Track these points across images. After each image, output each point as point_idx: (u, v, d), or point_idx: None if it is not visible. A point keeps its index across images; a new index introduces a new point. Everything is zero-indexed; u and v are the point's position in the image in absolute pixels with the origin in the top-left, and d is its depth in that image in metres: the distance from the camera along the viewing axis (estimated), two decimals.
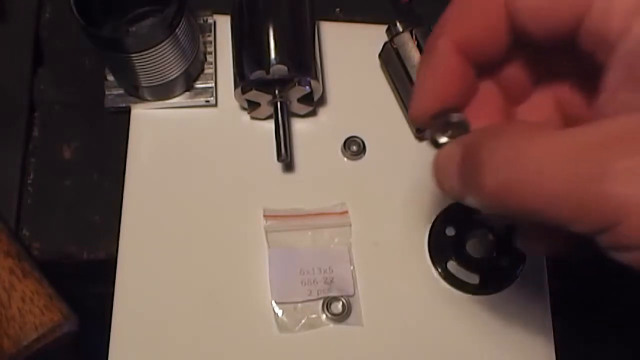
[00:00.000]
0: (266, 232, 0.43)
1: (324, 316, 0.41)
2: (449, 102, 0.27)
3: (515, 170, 0.22)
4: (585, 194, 0.21)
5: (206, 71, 0.46)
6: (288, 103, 0.43)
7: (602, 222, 0.21)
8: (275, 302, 0.41)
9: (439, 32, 0.26)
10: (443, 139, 0.26)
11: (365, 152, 0.45)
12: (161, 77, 0.42)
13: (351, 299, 0.42)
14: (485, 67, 0.28)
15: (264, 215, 0.43)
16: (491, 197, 0.23)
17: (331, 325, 0.41)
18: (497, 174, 0.22)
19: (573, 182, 0.21)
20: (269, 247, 0.42)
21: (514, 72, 0.28)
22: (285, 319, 0.41)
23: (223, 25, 0.47)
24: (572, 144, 0.21)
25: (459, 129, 0.26)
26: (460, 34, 0.26)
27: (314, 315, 0.41)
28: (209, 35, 0.46)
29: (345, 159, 0.45)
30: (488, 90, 0.29)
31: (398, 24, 0.45)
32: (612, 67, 0.23)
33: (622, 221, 0.20)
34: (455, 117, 0.26)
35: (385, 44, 0.46)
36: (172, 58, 0.41)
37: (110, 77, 0.45)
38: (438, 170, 0.26)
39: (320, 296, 0.41)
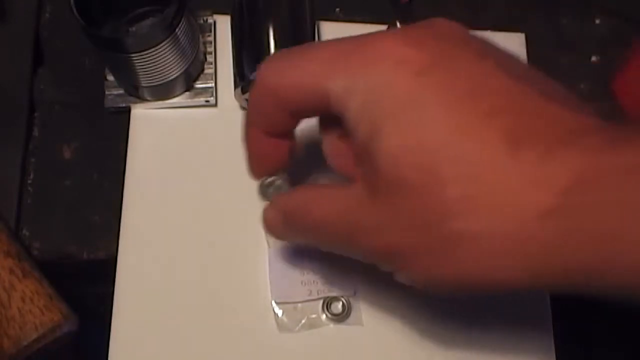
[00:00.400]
0: (266, 232, 0.43)
1: (324, 316, 0.41)
2: (270, 167, 0.36)
3: (310, 232, 0.32)
4: (350, 247, 0.30)
5: (206, 71, 0.46)
6: None
7: (371, 261, 0.29)
8: (275, 302, 0.41)
9: (247, 122, 0.34)
10: (267, 199, 0.38)
11: None
12: (161, 77, 0.42)
13: (351, 299, 0.42)
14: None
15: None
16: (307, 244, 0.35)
17: (331, 325, 0.41)
18: (305, 234, 0.33)
19: (340, 242, 0.31)
20: (269, 247, 0.42)
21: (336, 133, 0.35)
22: (285, 319, 0.41)
23: (223, 25, 0.47)
24: (335, 211, 0.30)
25: (280, 184, 0.39)
26: (259, 121, 0.33)
27: (314, 315, 0.41)
28: (209, 35, 0.46)
29: None
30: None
31: (398, 24, 0.45)
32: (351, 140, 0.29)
33: (378, 263, 0.29)
34: (275, 178, 0.38)
35: None
36: (172, 58, 0.41)
37: (110, 77, 0.45)
38: (268, 229, 0.35)
39: (320, 296, 0.41)
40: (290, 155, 0.35)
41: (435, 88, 0.26)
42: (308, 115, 0.32)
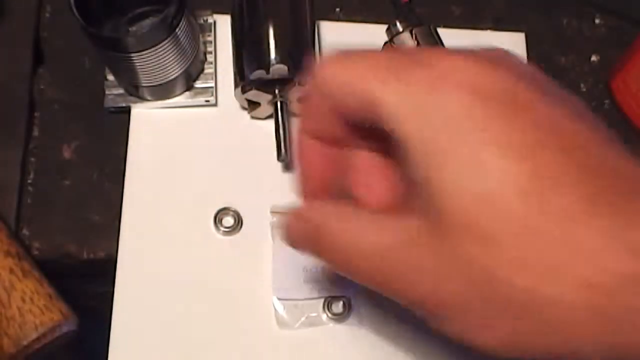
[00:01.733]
0: (272, 227, 0.43)
1: (324, 315, 0.41)
2: (323, 179, 0.31)
3: (333, 256, 0.28)
4: (382, 287, 0.26)
5: (206, 71, 0.46)
6: (288, 103, 0.43)
7: (404, 304, 0.25)
8: (277, 299, 0.41)
9: (298, 129, 0.31)
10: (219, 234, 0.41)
11: None
12: (161, 76, 0.42)
13: (352, 300, 0.42)
14: (355, 141, 0.30)
15: (271, 212, 0.43)
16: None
17: (331, 324, 0.41)
18: (326, 256, 0.28)
19: (369, 278, 0.26)
20: (273, 243, 0.42)
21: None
22: (285, 315, 0.41)
23: (223, 25, 0.47)
24: (375, 242, 0.25)
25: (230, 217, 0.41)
26: (309, 126, 0.30)
27: (314, 314, 0.41)
28: (209, 35, 0.46)
29: None
30: (365, 157, 0.31)
31: (398, 24, 0.45)
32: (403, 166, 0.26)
33: (412, 308, 0.25)
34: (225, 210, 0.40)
35: (385, 44, 0.46)
36: (172, 58, 0.41)
37: (110, 77, 0.45)
38: (291, 243, 0.30)
39: (321, 295, 0.41)
40: (344, 173, 0.31)
41: (507, 129, 0.23)
42: (360, 124, 0.28)
